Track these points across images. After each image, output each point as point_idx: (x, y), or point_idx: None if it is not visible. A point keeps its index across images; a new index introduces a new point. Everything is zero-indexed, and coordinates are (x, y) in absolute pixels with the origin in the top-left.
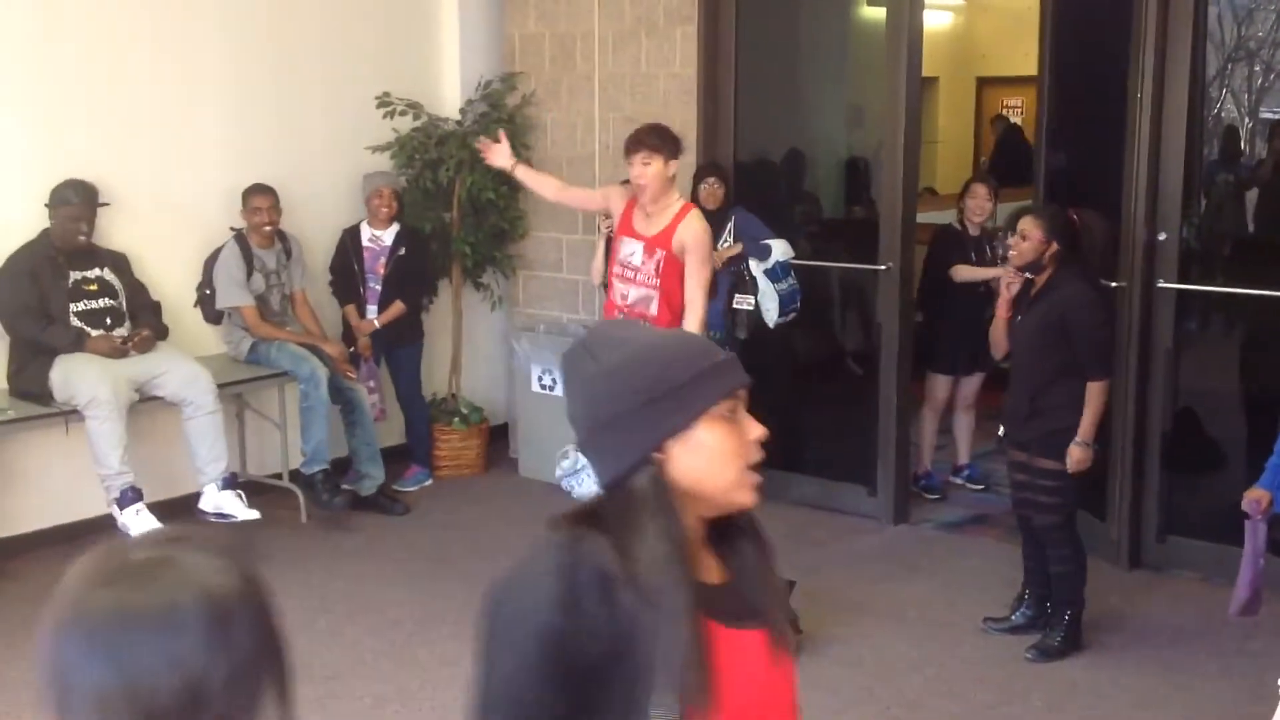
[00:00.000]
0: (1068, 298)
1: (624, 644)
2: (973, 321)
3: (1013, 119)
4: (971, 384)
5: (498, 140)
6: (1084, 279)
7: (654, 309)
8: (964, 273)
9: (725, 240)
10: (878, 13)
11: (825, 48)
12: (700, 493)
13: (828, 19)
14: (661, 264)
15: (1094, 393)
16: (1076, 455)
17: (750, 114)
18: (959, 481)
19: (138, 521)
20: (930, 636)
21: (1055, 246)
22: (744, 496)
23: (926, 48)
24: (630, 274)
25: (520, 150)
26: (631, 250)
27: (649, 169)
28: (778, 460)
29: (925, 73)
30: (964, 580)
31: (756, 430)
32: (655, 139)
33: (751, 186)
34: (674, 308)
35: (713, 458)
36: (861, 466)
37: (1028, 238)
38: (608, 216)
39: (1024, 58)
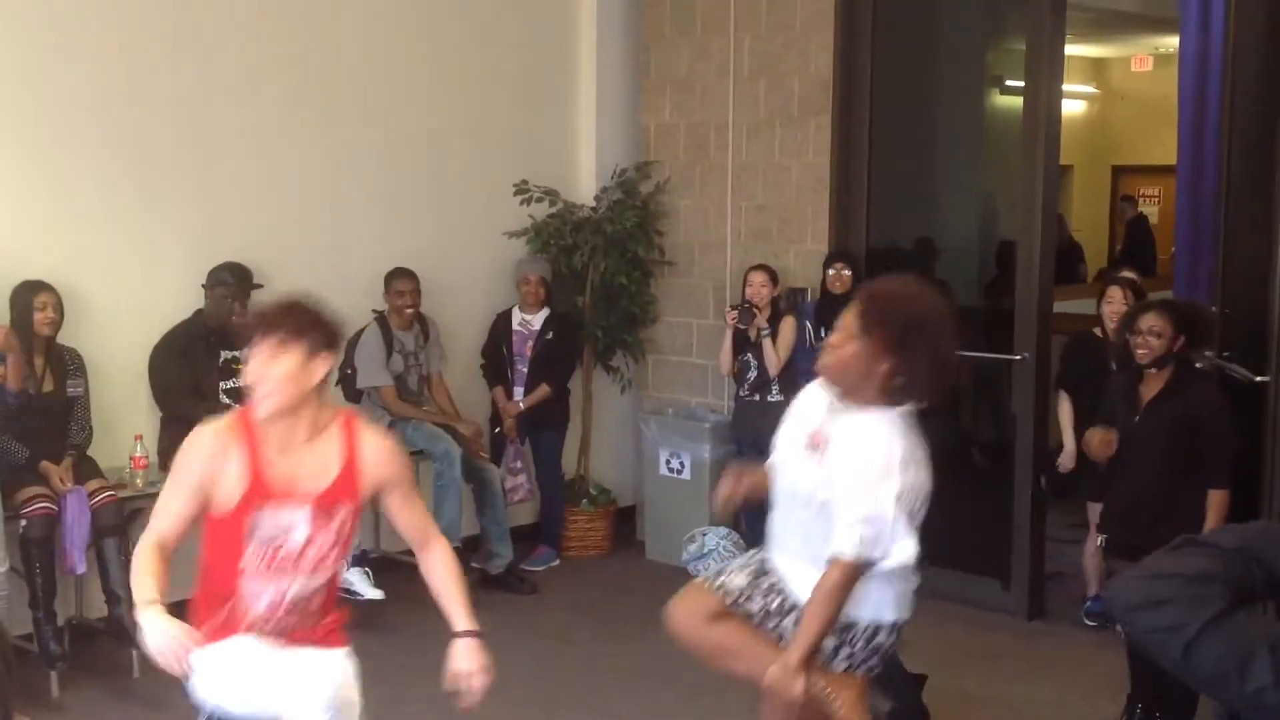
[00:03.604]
0: (1203, 399)
1: None
2: None
3: (1146, 208)
4: None
5: None
6: (1212, 379)
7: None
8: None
9: None
10: (1013, 101)
11: (959, 136)
12: None
13: (962, 107)
14: (348, 525)
15: (1218, 501)
16: None
17: (882, 202)
18: (1088, 623)
19: None
20: None
21: (1183, 339)
22: None
23: (1062, 135)
24: (287, 561)
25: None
26: (286, 524)
27: (276, 367)
28: None
29: (1060, 161)
30: (1102, 680)
31: None
32: (293, 322)
33: (882, 274)
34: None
35: None
36: (995, 559)
37: (1161, 334)
38: None
39: (1160, 147)
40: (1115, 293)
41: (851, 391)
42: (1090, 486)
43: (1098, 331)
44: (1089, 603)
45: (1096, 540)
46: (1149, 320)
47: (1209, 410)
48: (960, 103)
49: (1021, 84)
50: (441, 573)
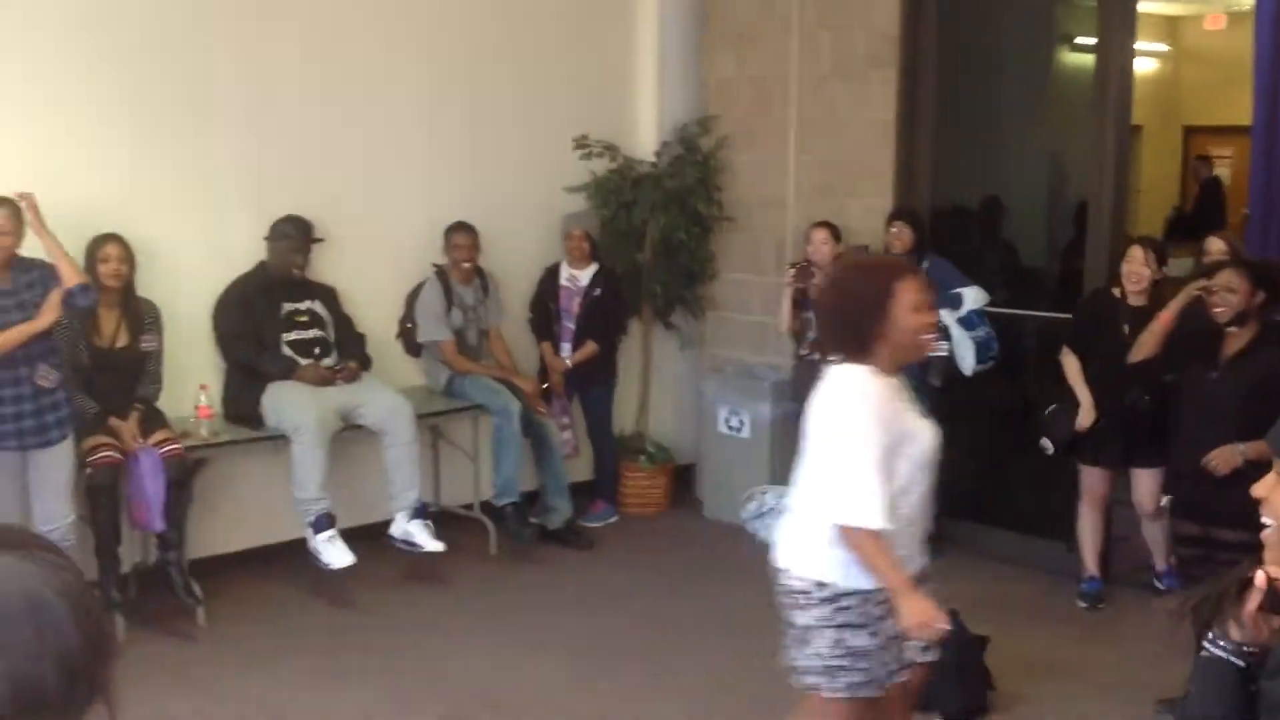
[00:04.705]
0: None
1: None
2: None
3: (1218, 169)
4: (1146, 482)
5: None
6: None
7: None
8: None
9: None
10: (1082, 58)
11: (1027, 93)
12: None
13: (1030, 64)
14: None
15: None
16: (1227, 454)
17: (947, 159)
18: (1161, 587)
19: (330, 547)
20: (1128, 700)
21: (1263, 296)
22: None
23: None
24: None
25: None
26: None
27: None
28: (973, 513)
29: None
30: (1168, 646)
31: None
32: None
33: (947, 232)
34: None
35: None
36: (1059, 522)
37: (1235, 290)
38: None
39: (1234, 107)
40: (1135, 252)
41: None
42: (1091, 449)
43: (1116, 291)
44: (1084, 584)
45: (1091, 511)
46: (1224, 278)
47: None
48: (1028, 60)
49: (1091, 41)
50: None
